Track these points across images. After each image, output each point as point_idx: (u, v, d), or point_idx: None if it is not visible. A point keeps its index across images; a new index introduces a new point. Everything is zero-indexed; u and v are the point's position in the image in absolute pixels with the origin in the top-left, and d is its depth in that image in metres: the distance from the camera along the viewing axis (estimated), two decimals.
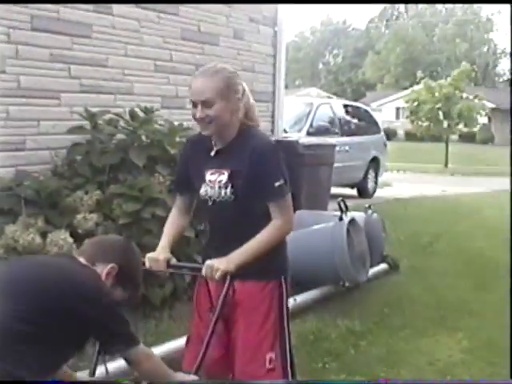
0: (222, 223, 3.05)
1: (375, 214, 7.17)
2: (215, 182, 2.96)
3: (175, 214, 3.25)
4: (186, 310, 5.21)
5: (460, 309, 6.10)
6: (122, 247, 2.71)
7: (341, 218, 6.05)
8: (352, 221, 6.18)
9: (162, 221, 5.02)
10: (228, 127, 2.93)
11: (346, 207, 6.16)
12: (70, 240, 4.67)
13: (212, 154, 3.00)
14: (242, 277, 2.87)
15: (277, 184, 2.86)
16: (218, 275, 2.81)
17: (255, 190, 2.89)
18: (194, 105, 2.91)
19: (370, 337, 5.33)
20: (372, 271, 6.69)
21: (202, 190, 3.02)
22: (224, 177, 2.94)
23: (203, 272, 2.86)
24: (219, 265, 2.82)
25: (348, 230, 6.03)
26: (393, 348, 5.11)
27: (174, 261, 3.04)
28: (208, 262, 2.86)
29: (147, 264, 3.00)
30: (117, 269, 2.60)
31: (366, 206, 7.30)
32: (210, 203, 3.01)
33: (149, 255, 3.03)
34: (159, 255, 3.02)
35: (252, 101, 3.03)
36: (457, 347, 5.16)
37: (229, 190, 2.94)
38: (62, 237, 4.67)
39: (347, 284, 6.26)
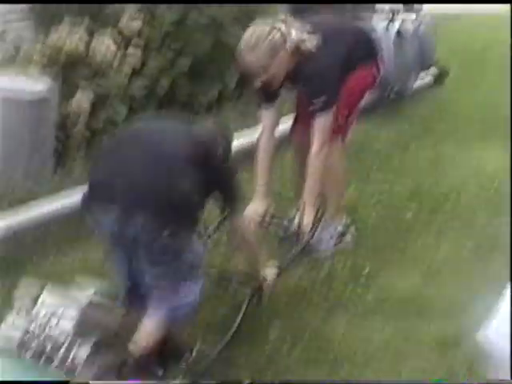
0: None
1: (427, 19, 6.85)
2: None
3: (265, 141, 3.47)
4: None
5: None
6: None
7: (391, 20, 5.96)
8: (402, 23, 6.08)
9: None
10: (285, 69, 3.24)
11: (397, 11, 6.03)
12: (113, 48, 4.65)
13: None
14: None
15: (315, 100, 3.25)
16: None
17: None
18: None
19: (418, 142, 5.38)
20: (418, 83, 6.63)
21: None
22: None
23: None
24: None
25: (398, 32, 5.95)
26: (440, 155, 5.13)
27: (271, 209, 3.33)
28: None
29: (245, 212, 3.11)
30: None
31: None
32: None
33: (249, 207, 3.24)
34: (258, 208, 3.28)
35: (293, 33, 3.19)
36: (506, 156, 5.01)
37: None
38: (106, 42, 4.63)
39: (392, 95, 6.16)
